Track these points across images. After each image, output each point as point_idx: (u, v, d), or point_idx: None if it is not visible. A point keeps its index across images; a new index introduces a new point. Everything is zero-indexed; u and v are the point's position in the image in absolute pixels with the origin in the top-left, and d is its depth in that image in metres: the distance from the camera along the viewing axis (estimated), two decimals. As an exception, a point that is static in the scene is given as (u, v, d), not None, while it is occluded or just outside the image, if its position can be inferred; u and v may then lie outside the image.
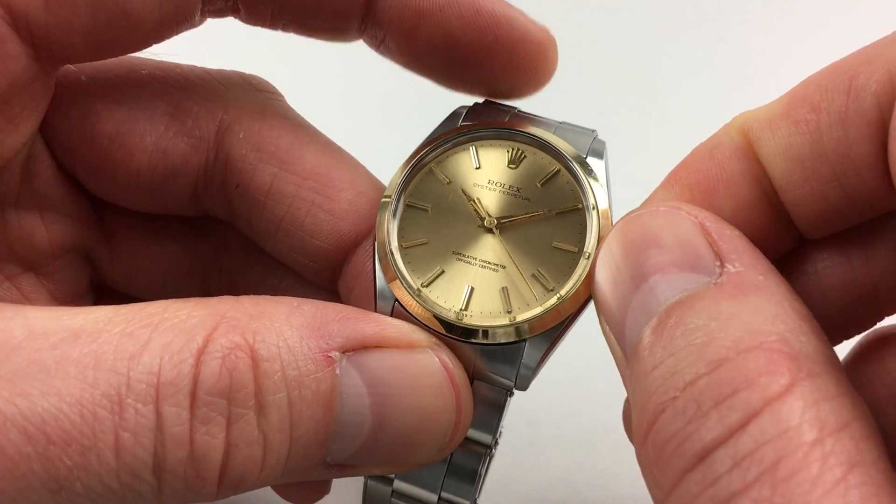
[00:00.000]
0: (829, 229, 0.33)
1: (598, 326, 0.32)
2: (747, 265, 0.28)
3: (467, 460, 0.38)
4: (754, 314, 0.26)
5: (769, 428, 0.24)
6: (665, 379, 0.26)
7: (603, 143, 0.39)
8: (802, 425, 0.24)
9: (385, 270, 0.37)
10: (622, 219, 0.32)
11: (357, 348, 0.33)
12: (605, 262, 0.31)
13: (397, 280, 0.36)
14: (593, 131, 0.39)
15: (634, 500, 0.27)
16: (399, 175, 0.38)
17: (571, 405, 0.54)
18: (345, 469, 0.34)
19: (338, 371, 0.32)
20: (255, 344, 0.31)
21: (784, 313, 0.26)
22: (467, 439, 0.37)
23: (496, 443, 0.38)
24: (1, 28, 0.35)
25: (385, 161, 0.42)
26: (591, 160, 0.37)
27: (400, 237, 0.38)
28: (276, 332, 0.32)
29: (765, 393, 0.24)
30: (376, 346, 0.33)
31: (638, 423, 0.27)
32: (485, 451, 0.37)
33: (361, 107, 0.74)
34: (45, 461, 0.28)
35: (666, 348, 0.27)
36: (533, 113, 0.40)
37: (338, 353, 0.32)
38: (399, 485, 0.39)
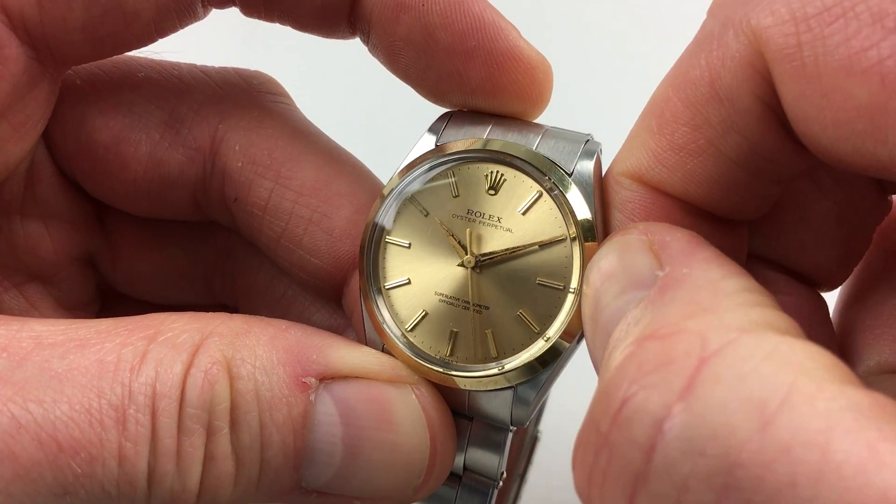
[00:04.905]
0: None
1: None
2: (676, 264, 0.28)
3: (476, 491, 0.37)
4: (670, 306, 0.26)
5: None
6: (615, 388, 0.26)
7: (598, 144, 0.35)
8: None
9: (370, 313, 0.36)
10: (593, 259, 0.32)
11: (335, 377, 0.33)
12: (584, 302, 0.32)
13: (382, 325, 0.35)
14: (587, 135, 0.35)
15: None
16: (374, 213, 0.36)
17: (572, 405, 0.54)
18: (323, 496, 0.34)
19: (312, 398, 0.32)
20: (232, 361, 0.32)
21: (703, 298, 0.26)
22: (474, 472, 0.37)
23: (503, 475, 0.37)
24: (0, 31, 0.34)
25: (392, 160, 0.40)
26: (581, 164, 0.34)
27: (381, 278, 0.36)
28: (256, 352, 0.32)
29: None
30: (355, 377, 0.33)
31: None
32: (491, 483, 0.37)
33: (370, 104, 0.72)
34: (55, 468, 0.28)
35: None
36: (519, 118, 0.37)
37: (314, 380, 0.32)
38: None
